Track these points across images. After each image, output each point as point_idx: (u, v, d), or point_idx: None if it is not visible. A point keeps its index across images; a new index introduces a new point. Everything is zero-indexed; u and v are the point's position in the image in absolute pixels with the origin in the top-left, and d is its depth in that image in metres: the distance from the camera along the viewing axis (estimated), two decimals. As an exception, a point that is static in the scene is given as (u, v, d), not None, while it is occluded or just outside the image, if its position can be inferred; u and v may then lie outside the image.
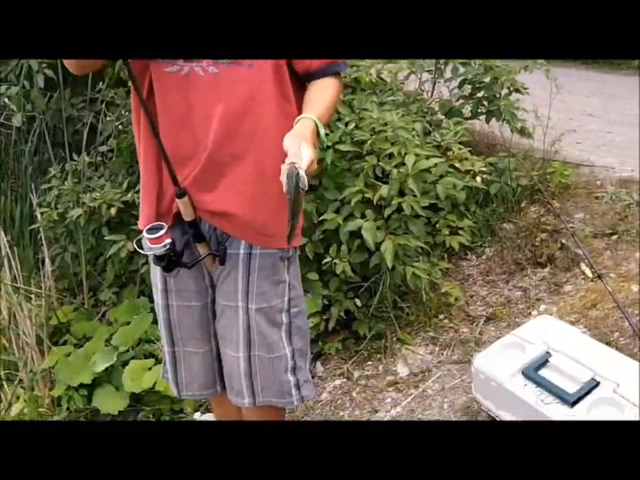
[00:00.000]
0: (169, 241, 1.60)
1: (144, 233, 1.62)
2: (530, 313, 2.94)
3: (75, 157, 3.78)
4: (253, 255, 1.72)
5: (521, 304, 3.05)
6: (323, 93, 1.67)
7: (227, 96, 1.60)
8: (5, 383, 2.74)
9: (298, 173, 1.42)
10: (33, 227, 3.80)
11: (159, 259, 1.63)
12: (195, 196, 1.68)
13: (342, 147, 3.03)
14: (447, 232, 3.25)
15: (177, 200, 1.66)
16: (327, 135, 1.75)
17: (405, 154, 2.97)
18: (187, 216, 1.68)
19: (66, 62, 1.57)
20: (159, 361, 2.91)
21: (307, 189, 1.45)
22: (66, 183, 3.61)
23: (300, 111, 1.63)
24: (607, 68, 10.06)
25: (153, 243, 1.60)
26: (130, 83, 1.74)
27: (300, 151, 1.43)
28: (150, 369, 2.93)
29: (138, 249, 1.71)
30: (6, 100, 3.82)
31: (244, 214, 1.69)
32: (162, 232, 1.60)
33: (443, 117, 4.05)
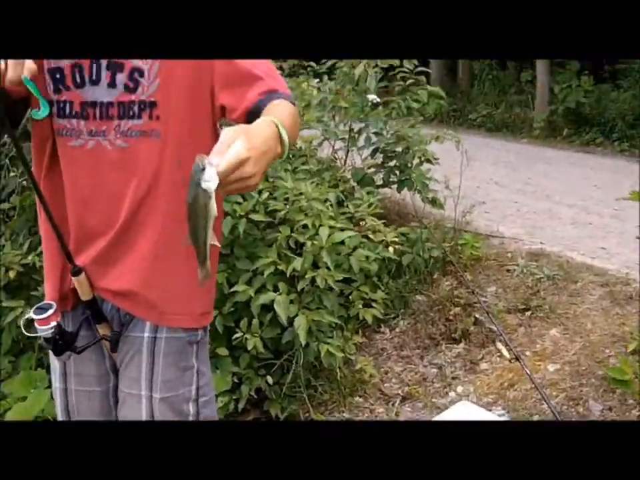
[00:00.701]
0: (54, 323, 1.48)
1: (30, 313, 1.49)
2: (447, 393, 2.89)
3: (-30, 215, 3.54)
4: (158, 339, 1.57)
5: (437, 382, 3.00)
6: (276, 108, 1.38)
7: (137, 172, 1.48)
8: None
9: (204, 169, 1.10)
10: None
11: (46, 341, 1.49)
12: (95, 273, 1.54)
13: (255, 217, 2.94)
14: (361, 304, 3.19)
15: (73, 278, 1.52)
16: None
17: (320, 226, 2.92)
18: (84, 295, 1.55)
19: None
20: (52, 444, 2.67)
21: (212, 189, 1.11)
22: None
23: None
24: (509, 137, 10.56)
25: (40, 324, 1.47)
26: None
27: (229, 146, 1.13)
28: (45, 452, 2.68)
29: (25, 331, 1.56)
30: None
31: (146, 292, 1.55)
32: (49, 312, 1.48)
33: (355, 184, 4.05)
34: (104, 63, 1.43)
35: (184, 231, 1.45)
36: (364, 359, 3.16)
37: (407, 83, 4.09)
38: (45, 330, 1.47)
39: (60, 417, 1.72)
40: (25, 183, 3.62)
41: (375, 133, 4.08)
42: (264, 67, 1.46)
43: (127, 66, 1.42)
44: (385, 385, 3.05)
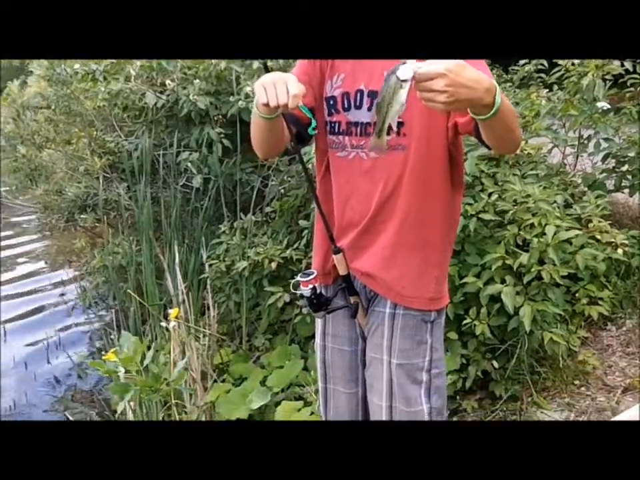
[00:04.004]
0: (311, 286, 1.79)
1: (297, 277, 1.82)
2: (670, 386, 2.79)
3: (242, 216, 4.03)
4: (396, 315, 1.82)
5: (660, 377, 2.90)
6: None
7: (384, 177, 1.75)
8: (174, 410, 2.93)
9: (404, 63, 1.31)
10: (202, 276, 4.02)
11: (306, 299, 1.81)
12: (350, 256, 1.84)
13: (484, 216, 3.07)
14: (586, 301, 3.18)
15: (333, 256, 1.83)
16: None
17: (546, 225, 2.97)
18: (341, 270, 1.84)
19: (255, 147, 1.79)
20: (307, 404, 3.03)
21: (405, 79, 1.31)
22: (234, 238, 3.83)
23: (452, 186, 1.75)
24: None
25: (303, 285, 1.79)
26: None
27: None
28: (299, 410, 3.04)
29: (292, 289, 1.88)
30: (188, 164, 4.13)
31: (385, 276, 1.80)
32: (310, 277, 1.79)
33: (585, 189, 3.98)
34: (365, 91, 1.71)
35: (419, 229, 1.73)
36: (588, 351, 3.14)
37: (638, 89, 3.95)
38: (305, 290, 1.79)
39: (318, 367, 2.04)
40: (283, 190, 4.07)
41: (605, 139, 3.98)
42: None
43: None
44: (608, 377, 3.02)
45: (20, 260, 7.17)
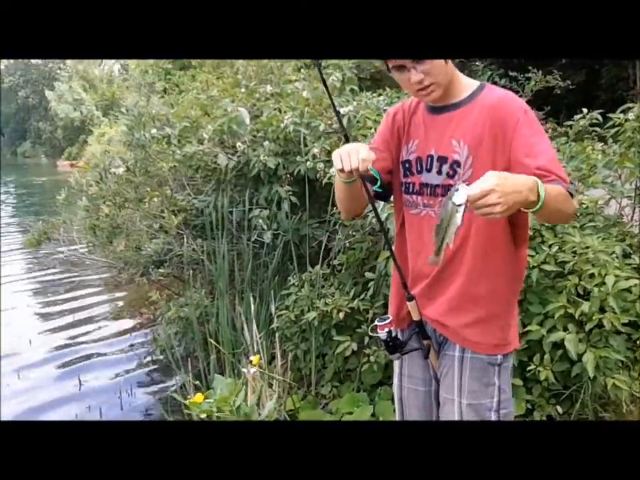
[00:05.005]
0: (387, 329, 2.00)
1: (375, 321, 2.03)
2: None
3: (310, 268, 4.23)
4: (465, 358, 2.01)
5: None
6: (547, 184, 1.65)
7: None
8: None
9: (458, 189, 1.48)
10: (271, 326, 4.21)
11: (382, 342, 2.02)
12: (421, 304, 2.05)
13: (546, 267, 3.22)
14: (648, 348, 3.25)
15: (407, 302, 2.04)
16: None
17: (605, 275, 3.10)
18: (414, 316, 2.05)
19: (340, 209, 2.07)
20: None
21: (460, 204, 1.48)
22: (302, 290, 4.05)
23: (515, 243, 1.95)
24: None
25: (379, 329, 2.00)
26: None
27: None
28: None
29: (370, 332, 2.08)
30: (259, 221, 4.41)
31: (452, 323, 2.00)
32: (386, 322, 2.01)
33: (643, 239, 4.06)
34: (435, 156, 1.93)
35: (483, 282, 1.93)
36: (651, 398, 3.21)
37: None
38: (382, 333, 2.00)
39: (396, 405, 2.24)
40: (348, 244, 4.27)
41: (662, 190, 4.08)
42: (553, 165, 1.76)
43: (449, 160, 1.91)
44: (672, 421, 3.07)
45: (92, 313, 7.53)
